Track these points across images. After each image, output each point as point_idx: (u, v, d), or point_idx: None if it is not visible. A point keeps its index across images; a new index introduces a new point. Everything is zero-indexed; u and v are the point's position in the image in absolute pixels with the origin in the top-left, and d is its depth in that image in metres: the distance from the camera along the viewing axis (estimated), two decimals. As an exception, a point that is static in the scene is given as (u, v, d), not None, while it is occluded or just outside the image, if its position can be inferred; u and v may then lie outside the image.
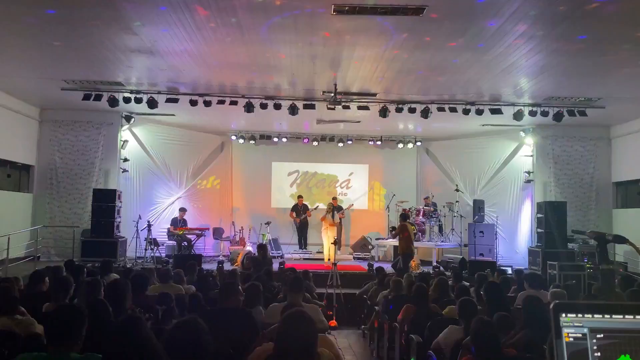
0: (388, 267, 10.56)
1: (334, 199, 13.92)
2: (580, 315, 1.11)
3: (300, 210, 14.32)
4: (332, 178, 15.71)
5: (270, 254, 10.68)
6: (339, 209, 13.67)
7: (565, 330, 1.10)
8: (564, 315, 1.11)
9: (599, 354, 1.08)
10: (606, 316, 1.11)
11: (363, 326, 8.43)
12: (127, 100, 10.59)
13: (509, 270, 10.38)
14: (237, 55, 8.39)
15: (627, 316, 1.11)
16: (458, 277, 7.74)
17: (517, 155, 13.89)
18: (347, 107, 10.72)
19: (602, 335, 1.09)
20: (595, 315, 1.11)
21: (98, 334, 3.23)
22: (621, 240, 2.37)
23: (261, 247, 10.09)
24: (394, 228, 11.31)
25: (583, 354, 1.08)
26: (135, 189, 13.40)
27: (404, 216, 11.19)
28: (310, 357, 2.42)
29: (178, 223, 12.94)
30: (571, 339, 1.09)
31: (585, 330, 1.10)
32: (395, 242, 13.53)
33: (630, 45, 7.44)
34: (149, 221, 12.14)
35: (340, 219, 13.49)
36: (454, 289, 6.16)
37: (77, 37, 7.63)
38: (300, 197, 14.54)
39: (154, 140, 13.78)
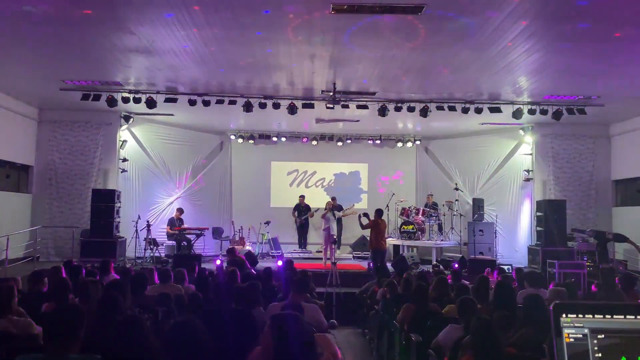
0: (388, 266, 10.54)
1: (333, 198, 13.90)
2: (580, 315, 1.10)
3: (302, 209, 14.33)
4: (331, 177, 15.69)
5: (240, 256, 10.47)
6: (339, 208, 13.66)
7: (565, 331, 1.08)
8: (564, 315, 1.10)
9: (599, 354, 1.07)
10: (607, 316, 1.10)
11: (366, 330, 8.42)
12: (125, 100, 10.57)
13: (507, 269, 10.39)
14: (235, 55, 8.38)
15: (628, 316, 1.10)
16: (458, 276, 7.73)
17: (516, 153, 13.88)
18: (346, 106, 10.71)
19: (603, 336, 1.08)
20: (596, 316, 1.10)
21: (103, 332, 3.22)
22: (621, 238, 2.35)
23: (230, 252, 9.91)
24: (367, 215, 11.30)
25: (584, 355, 1.07)
26: (135, 189, 13.38)
27: (379, 212, 11.19)
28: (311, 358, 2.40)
29: (175, 223, 12.93)
30: (572, 340, 1.08)
31: (586, 331, 1.09)
32: (395, 241, 13.57)
33: (630, 43, 7.43)
34: (148, 221, 12.13)
35: (341, 218, 13.49)
36: (454, 287, 6.16)
37: (76, 37, 7.61)
38: (302, 196, 14.55)
39: (153, 140, 13.76)
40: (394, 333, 5.75)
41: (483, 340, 3.33)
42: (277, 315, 2.51)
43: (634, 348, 1.08)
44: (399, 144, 15.08)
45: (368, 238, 14.23)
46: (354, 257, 14.02)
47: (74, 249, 11.52)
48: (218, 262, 10.00)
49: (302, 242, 14.40)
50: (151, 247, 11.89)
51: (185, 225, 12.99)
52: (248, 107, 10.52)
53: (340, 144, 14.88)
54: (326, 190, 15.34)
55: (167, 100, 10.59)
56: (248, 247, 13.18)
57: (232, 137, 14.89)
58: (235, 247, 12.98)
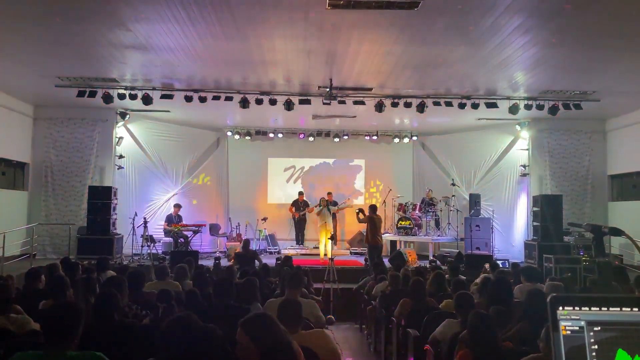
0: (385, 262, 10.56)
1: (329, 194, 13.91)
2: (577, 308, 1.10)
3: (300, 206, 14.32)
4: (327, 173, 15.69)
5: (252, 248, 10.65)
6: (334, 204, 13.66)
7: (562, 324, 1.09)
8: (561, 308, 1.10)
9: (596, 346, 1.08)
10: (603, 309, 1.10)
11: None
12: (121, 96, 10.53)
13: (502, 264, 10.39)
14: (232, 51, 8.35)
15: (624, 308, 1.10)
16: (455, 271, 7.75)
17: (512, 148, 13.90)
18: (343, 102, 10.70)
19: (599, 328, 1.09)
20: (592, 308, 1.10)
21: (102, 329, 3.21)
22: (617, 232, 2.36)
23: (246, 242, 10.14)
24: (361, 211, 11.37)
25: (581, 347, 1.08)
26: (131, 185, 13.36)
27: (373, 208, 11.24)
28: (290, 356, 2.39)
29: (173, 219, 12.92)
30: (568, 332, 1.09)
31: (583, 323, 1.09)
32: (391, 236, 13.60)
33: (625, 39, 7.45)
34: (145, 218, 12.12)
35: (335, 213, 13.49)
36: (451, 282, 6.17)
37: (71, 33, 7.57)
38: (301, 193, 14.55)
39: (149, 137, 13.73)
40: (391, 328, 5.77)
41: (480, 335, 3.35)
42: (247, 320, 2.44)
43: (630, 340, 1.08)
44: (396, 140, 15.08)
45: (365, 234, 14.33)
46: (350, 252, 14.04)
47: (71, 246, 11.51)
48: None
49: (300, 238, 14.41)
50: (148, 244, 11.88)
51: (183, 222, 12.99)
52: (244, 103, 10.50)
53: (337, 140, 14.88)
54: (316, 184, 15.35)
55: (163, 96, 10.55)
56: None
57: (229, 133, 14.86)
58: (233, 244, 13.07)
